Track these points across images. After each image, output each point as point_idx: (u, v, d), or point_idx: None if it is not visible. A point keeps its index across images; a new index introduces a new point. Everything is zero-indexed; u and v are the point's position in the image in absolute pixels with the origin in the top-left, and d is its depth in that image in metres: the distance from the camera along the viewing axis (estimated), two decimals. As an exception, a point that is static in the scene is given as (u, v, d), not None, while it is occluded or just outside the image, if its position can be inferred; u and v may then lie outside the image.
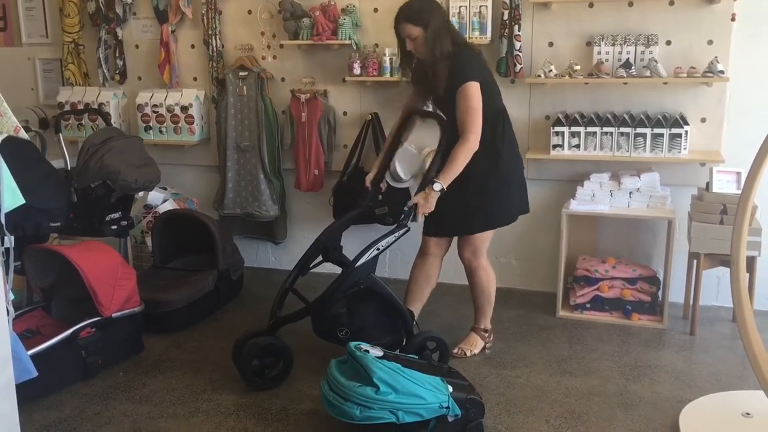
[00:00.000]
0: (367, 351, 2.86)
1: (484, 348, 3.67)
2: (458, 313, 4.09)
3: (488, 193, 3.38)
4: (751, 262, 3.67)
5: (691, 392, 3.23)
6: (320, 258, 3.45)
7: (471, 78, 3.21)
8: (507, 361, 3.58)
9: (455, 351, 3.57)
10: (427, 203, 3.20)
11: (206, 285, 4.16)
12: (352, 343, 2.92)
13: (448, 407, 2.74)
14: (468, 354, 3.59)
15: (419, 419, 2.72)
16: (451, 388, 2.79)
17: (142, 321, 3.71)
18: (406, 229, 3.31)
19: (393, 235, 3.29)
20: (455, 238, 3.59)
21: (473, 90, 3.20)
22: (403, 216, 3.25)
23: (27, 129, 3.89)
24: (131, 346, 3.68)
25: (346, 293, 3.26)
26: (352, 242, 4.76)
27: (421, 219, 3.25)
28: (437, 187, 3.18)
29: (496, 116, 3.36)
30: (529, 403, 3.17)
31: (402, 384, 2.72)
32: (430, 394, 2.73)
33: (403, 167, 3.76)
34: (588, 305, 4.08)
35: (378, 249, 3.25)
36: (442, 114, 3.44)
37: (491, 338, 3.71)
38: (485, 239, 3.52)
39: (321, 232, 3.51)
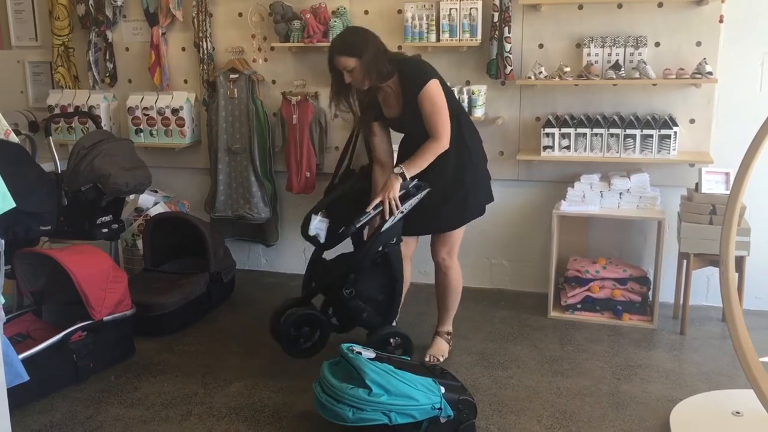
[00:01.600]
0: (360, 353, 2.86)
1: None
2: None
3: (464, 187, 3.36)
4: (740, 261, 3.69)
5: (682, 391, 3.25)
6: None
7: (429, 78, 3.17)
8: (499, 362, 3.59)
9: (426, 359, 3.52)
10: (390, 189, 3.16)
11: (198, 288, 4.15)
12: (345, 345, 2.92)
13: (440, 408, 2.75)
14: (441, 360, 3.54)
15: (412, 420, 2.73)
16: (443, 389, 2.80)
17: (133, 324, 3.70)
18: (427, 189, 3.28)
19: (416, 197, 3.26)
20: (424, 239, 3.58)
21: (435, 89, 3.17)
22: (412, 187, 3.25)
23: (17, 132, 3.87)
24: (123, 349, 3.66)
25: (372, 259, 3.28)
26: (348, 249, 4.76)
27: (390, 208, 3.18)
28: (398, 170, 3.19)
29: (457, 113, 3.34)
30: (521, 404, 3.18)
31: (394, 385, 2.72)
32: (422, 395, 2.74)
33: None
34: (579, 306, 4.10)
35: (402, 212, 3.23)
36: (403, 132, 3.42)
37: (451, 342, 3.69)
38: (460, 236, 3.50)
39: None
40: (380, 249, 3.26)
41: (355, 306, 3.31)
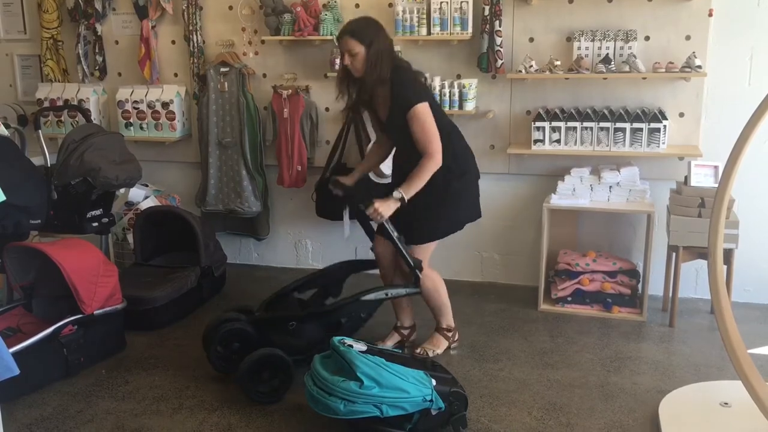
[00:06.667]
0: (351, 346, 2.87)
1: (448, 348, 3.63)
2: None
3: (435, 206, 3.34)
4: (728, 254, 3.72)
5: (671, 383, 3.27)
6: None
7: (418, 100, 3.19)
8: (489, 355, 3.61)
9: (418, 351, 3.52)
10: (383, 208, 3.16)
11: (189, 282, 4.15)
12: (336, 338, 2.93)
13: (431, 400, 2.76)
14: (431, 354, 3.52)
15: (403, 413, 2.74)
16: (434, 382, 2.81)
17: (124, 318, 3.69)
18: (417, 290, 3.36)
19: (404, 290, 3.35)
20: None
21: (423, 111, 3.18)
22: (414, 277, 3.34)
23: (6, 126, 3.86)
24: (113, 343, 3.66)
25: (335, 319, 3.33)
26: (340, 243, 4.77)
27: (372, 220, 3.27)
28: (397, 195, 3.18)
29: (448, 131, 3.33)
30: (511, 396, 3.20)
31: (386, 378, 2.73)
32: (413, 387, 2.75)
33: (386, 163, 3.76)
34: (569, 299, 4.12)
35: (386, 294, 3.32)
36: (391, 138, 3.44)
37: (456, 337, 3.67)
38: (428, 250, 3.46)
39: (331, 265, 3.64)
40: (345, 317, 3.31)
41: (286, 333, 3.30)
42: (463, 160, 3.42)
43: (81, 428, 3.00)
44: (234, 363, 3.31)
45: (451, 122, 3.48)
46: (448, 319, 3.64)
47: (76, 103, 4.76)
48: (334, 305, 3.39)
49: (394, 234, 3.26)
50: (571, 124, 4.04)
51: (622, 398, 3.16)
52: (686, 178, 3.87)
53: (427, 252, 3.46)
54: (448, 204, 3.37)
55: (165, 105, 4.70)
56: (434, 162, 3.20)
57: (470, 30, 4.12)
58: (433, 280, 3.54)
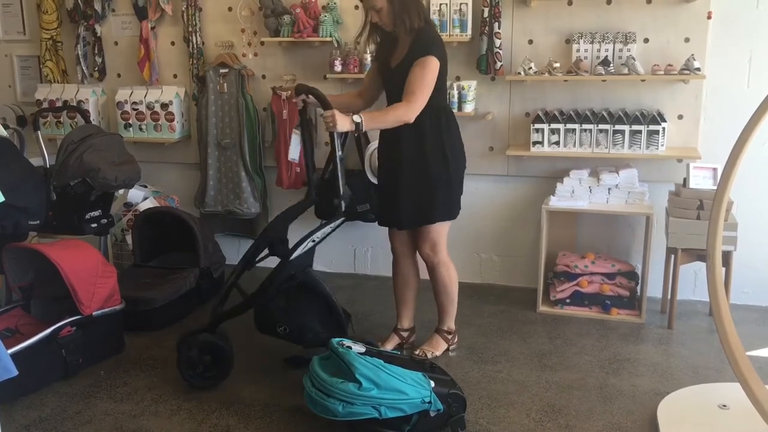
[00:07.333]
0: (350, 347, 2.87)
1: (447, 350, 3.61)
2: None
3: (440, 184, 3.31)
4: (727, 256, 3.72)
5: (669, 385, 3.27)
6: (267, 252, 3.40)
7: (434, 54, 3.16)
8: (488, 356, 3.61)
9: (416, 352, 3.51)
10: (339, 118, 3.04)
11: (187, 283, 4.15)
12: (335, 340, 2.93)
13: (430, 402, 2.76)
14: (429, 356, 3.49)
15: (402, 414, 2.74)
16: (433, 383, 2.81)
17: (123, 319, 3.69)
18: (341, 219, 3.26)
19: (329, 226, 3.24)
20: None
21: (433, 65, 3.15)
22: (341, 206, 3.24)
23: (5, 126, 3.87)
24: (112, 344, 3.66)
25: (282, 288, 3.25)
26: (338, 244, 4.76)
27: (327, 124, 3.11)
28: (356, 118, 3.07)
29: (440, 111, 3.30)
30: (510, 398, 3.20)
31: (384, 379, 2.73)
32: (412, 389, 2.75)
33: None
34: (568, 300, 4.12)
35: (313, 241, 3.23)
36: (390, 91, 3.37)
37: (455, 340, 3.66)
38: (442, 232, 3.42)
39: (267, 226, 3.46)
40: (293, 276, 3.24)
41: (295, 336, 3.28)
42: (454, 142, 3.37)
43: (79, 429, 3.00)
44: (209, 378, 3.28)
45: (449, 108, 3.46)
46: (451, 321, 3.62)
47: (75, 104, 4.76)
48: (264, 283, 3.26)
49: (339, 153, 3.17)
50: (570, 126, 4.04)
51: (620, 400, 3.16)
52: (685, 180, 3.87)
53: (441, 236, 3.42)
54: (454, 182, 3.35)
55: (164, 106, 4.70)
56: (407, 111, 3.12)
57: (469, 32, 4.12)
58: (449, 269, 3.50)
